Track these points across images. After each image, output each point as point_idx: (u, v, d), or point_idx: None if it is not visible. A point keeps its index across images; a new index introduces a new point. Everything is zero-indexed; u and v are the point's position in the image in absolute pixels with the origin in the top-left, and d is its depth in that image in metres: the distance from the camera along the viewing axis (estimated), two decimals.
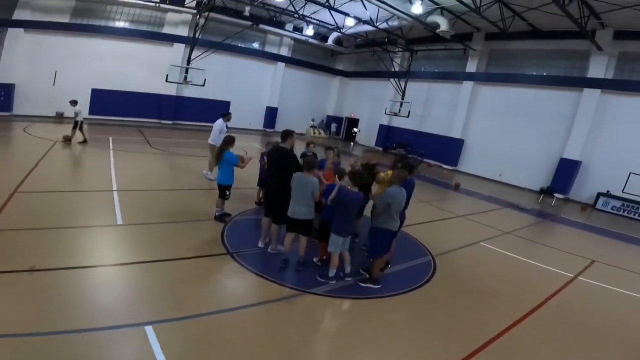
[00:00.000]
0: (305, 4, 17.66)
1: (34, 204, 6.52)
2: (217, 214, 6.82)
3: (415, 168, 5.61)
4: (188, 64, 19.12)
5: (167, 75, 18.01)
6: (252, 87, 24.80)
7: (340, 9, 17.44)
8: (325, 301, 4.53)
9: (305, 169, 4.91)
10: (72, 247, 5.02)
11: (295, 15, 18.64)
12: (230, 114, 10.77)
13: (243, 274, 4.93)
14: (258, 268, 5.07)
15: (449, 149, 21.21)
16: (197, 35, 18.89)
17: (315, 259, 5.46)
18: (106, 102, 20.02)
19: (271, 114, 25.82)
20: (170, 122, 21.89)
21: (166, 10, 20.61)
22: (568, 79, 16.82)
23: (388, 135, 25.47)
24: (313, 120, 27.99)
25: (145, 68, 20.16)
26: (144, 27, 20.58)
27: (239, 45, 23.45)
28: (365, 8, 16.27)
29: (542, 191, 16.45)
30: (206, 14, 18.43)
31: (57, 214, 6.24)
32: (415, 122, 23.41)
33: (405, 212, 5.41)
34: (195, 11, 19.90)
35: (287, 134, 5.55)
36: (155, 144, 14.53)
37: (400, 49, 23.40)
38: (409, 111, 22.42)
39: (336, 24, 20.01)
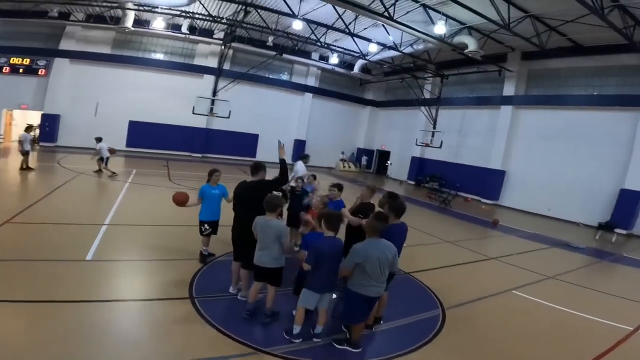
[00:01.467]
0: (326, 31, 17.63)
1: (14, 235, 6.28)
2: (203, 252, 6.16)
3: (402, 211, 4.42)
4: (214, 95, 19.55)
5: (193, 107, 18.42)
6: (280, 119, 24.88)
7: (362, 34, 17.20)
8: None
9: (268, 211, 4.12)
10: (18, 280, 4.54)
11: (318, 44, 18.64)
12: (308, 155, 10.60)
13: (195, 322, 4.10)
14: (216, 317, 4.22)
15: (488, 181, 19.39)
16: (222, 66, 19.47)
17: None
18: (141, 134, 21.03)
19: (299, 147, 25.57)
20: (200, 155, 22.35)
21: (196, 42, 21.61)
22: (622, 97, 14.89)
23: (421, 168, 24.08)
24: (343, 153, 27.41)
25: (177, 100, 20.85)
26: (176, 59, 21.64)
27: (266, 76, 23.80)
28: (388, 32, 15.89)
29: (600, 226, 14.16)
30: (230, 44, 19.05)
31: (32, 245, 5.90)
32: (449, 152, 21.94)
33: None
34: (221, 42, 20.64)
35: (257, 167, 4.83)
36: (175, 178, 14.51)
37: (430, 75, 22.55)
38: (442, 141, 21.06)
39: (360, 51, 19.78)
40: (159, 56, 21.48)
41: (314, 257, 3.78)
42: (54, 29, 19.02)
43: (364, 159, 28.03)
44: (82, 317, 3.99)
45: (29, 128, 13.47)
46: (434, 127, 22.18)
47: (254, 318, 4.27)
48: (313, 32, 17.76)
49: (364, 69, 24.59)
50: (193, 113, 18.57)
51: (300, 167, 9.31)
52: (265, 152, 24.57)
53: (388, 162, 27.31)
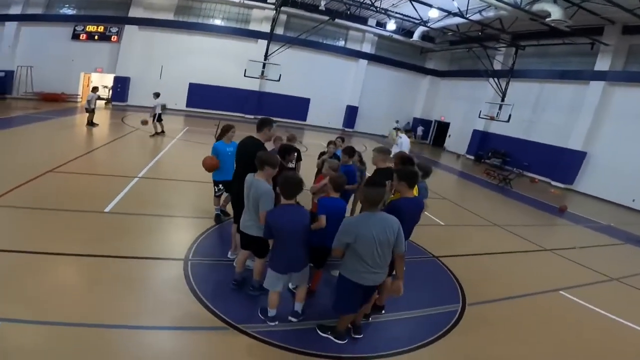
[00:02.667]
0: None
1: (50, 184, 6.70)
2: (215, 212, 6.03)
3: (414, 180, 3.50)
4: (265, 59, 19.31)
5: (245, 70, 18.41)
6: (333, 84, 24.09)
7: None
8: (251, 346, 3.22)
9: (258, 168, 3.59)
10: (33, 228, 4.76)
11: (373, 8, 17.15)
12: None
13: (177, 287, 3.92)
14: (201, 284, 4.01)
15: (563, 162, 16.95)
16: (273, 31, 19.02)
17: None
18: (199, 95, 21.89)
19: (351, 113, 24.72)
20: (252, 116, 22.59)
21: (251, 7, 21.46)
22: None
23: (483, 143, 21.89)
24: (397, 122, 25.82)
25: (233, 63, 20.97)
26: (233, 24, 21.85)
27: (320, 41, 23.01)
28: None
29: None
30: (282, 8, 18.52)
31: (61, 194, 6.27)
32: (519, 128, 19.51)
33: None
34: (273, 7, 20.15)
35: (262, 124, 4.34)
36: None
37: (503, 45, 19.83)
38: (510, 115, 18.70)
39: (420, 17, 17.82)
40: (217, 22, 21.76)
41: (269, 232, 3.23)
42: None
43: (419, 129, 26.24)
44: (70, 270, 4.04)
45: (94, 89, 14.32)
46: (503, 100, 19.77)
47: (241, 289, 3.99)
48: None
49: (425, 37, 22.47)
50: (245, 76, 18.57)
51: (405, 141, 9.52)
52: (316, 116, 24.24)
53: (448, 134, 25.30)
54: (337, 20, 21.00)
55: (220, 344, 3.22)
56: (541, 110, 19.07)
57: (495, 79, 20.26)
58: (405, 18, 18.60)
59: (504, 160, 19.99)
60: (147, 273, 4.24)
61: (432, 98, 26.47)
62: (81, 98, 21.06)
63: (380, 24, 22.83)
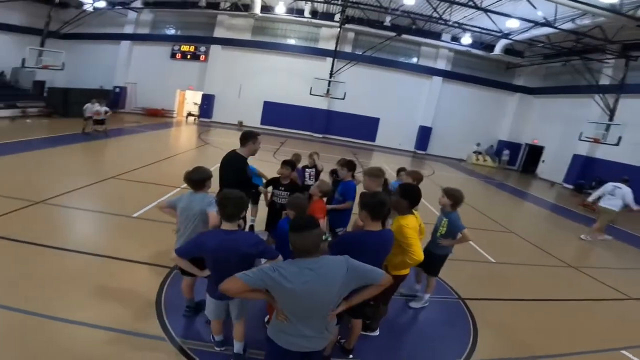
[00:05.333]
0: (449, 7, 15.07)
1: (105, 189, 7.55)
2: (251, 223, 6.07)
3: (380, 208, 2.80)
4: (330, 77, 19.53)
5: (311, 88, 18.83)
6: (404, 103, 23.12)
7: (497, 9, 14.04)
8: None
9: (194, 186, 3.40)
10: (60, 225, 5.33)
11: (441, 21, 16.19)
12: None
13: (145, 290, 3.91)
14: (172, 293, 3.94)
15: None
16: (337, 48, 19.35)
17: (266, 319, 3.66)
18: (272, 113, 23.04)
19: (424, 134, 23.31)
20: (320, 135, 22.95)
21: (320, 26, 21.97)
22: None
23: (586, 170, 18.54)
24: (478, 144, 23.63)
25: (303, 82, 21.44)
26: (303, 43, 22.65)
27: (390, 58, 22.43)
28: (533, 5, 12.36)
29: None
30: (347, 26, 18.93)
31: (108, 198, 6.99)
32: (632, 153, 16.13)
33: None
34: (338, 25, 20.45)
35: (246, 137, 4.17)
36: (280, 154, 15.13)
37: (609, 57, 16.83)
38: (620, 137, 15.58)
39: (499, 29, 16.18)
40: (290, 41, 22.75)
41: (186, 253, 2.75)
42: (209, 18, 22.27)
43: (505, 154, 23.46)
44: (78, 266, 4.34)
45: (93, 101, 13.90)
46: (611, 119, 16.69)
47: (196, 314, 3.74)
48: (435, 10, 15.43)
49: (510, 51, 20.39)
50: (310, 94, 19.01)
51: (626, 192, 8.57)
52: (386, 137, 23.49)
53: (542, 159, 22.15)
54: (407, 36, 20.42)
55: (148, 353, 3.10)
56: None
57: (601, 95, 17.28)
58: (484, 31, 17.13)
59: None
60: (137, 275, 4.37)
61: (522, 118, 23.56)
62: (176, 114, 24.05)
63: (456, 39, 21.42)
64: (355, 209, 3.36)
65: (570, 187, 18.71)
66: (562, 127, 20.68)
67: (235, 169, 4.05)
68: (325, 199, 4.52)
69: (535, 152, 22.82)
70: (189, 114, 23.67)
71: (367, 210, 2.81)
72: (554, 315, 5.04)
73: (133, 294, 3.93)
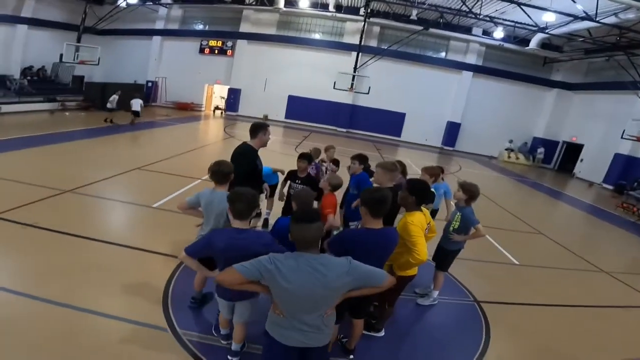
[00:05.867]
0: (478, 1, 14.38)
1: (131, 179, 7.82)
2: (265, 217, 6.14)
3: (382, 205, 2.63)
4: (354, 71, 19.24)
5: (334, 82, 18.65)
6: (432, 98, 22.46)
7: (533, 3, 13.31)
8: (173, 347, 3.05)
9: (216, 181, 3.31)
10: (81, 214, 5.59)
11: (471, 15, 15.48)
12: None
13: (154, 281, 3.99)
14: (179, 284, 4.00)
15: None
16: (361, 42, 19.06)
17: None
18: (297, 107, 23.11)
19: (452, 130, 22.57)
20: (344, 130, 22.76)
21: (345, 20, 21.67)
22: None
23: (628, 170, 17.40)
24: (511, 142, 22.60)
25: (328, 76, 21.21)
26: (328, 38, 22.48)
27: (417, 53, 21.86)
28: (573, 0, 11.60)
29: None
30: (372, 20, 18.66)
31: (133, 188, 7.26)
32: None
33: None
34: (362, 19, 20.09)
35: (256, 128, 4.11)
36: (300, 147, 15.12)
37: None
38: None
39: (535, 23, 15.28)
40: (315, 35, 22.64)
41: (195, 252, 2.69)
42: (235, 13, 22.53)
43: (539, 151, 22.29)
44: (93, 254, 4.50)
45: (117, 92, 15.49)
46: None
47: (201, 306, 3.77)
48: (464, 3, 14.77)
49: (547, 45, 19.39)
50: (334, 88, 18.85)
51: None
52: (412, 133, 22.96)
53: (580, 158, 20.89)
54: (436, 31, 19.75)
55: (148, 342, 3.15)
56: None
57: None
58: (518, 25, 16.25)
59: None
60: (141, 266, 4.46)
61: (559, 115, 22.29)
62: (204, 108, 24.59)
63: (487, 33, 20.51)
64: None
65: (610, 187, 17.65)
66: (603, 124, 19.46)
67: (246, 162, 4.00)
68: (335, 193, 4.42)
69: (573, 151, 21.62)
70: (216, 108, 24.14)
71: (367, 206, 2.67)
72: (578, 323, 4.73)
73: (143, 284, 4.01)
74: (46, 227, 4.89)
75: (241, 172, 3.88)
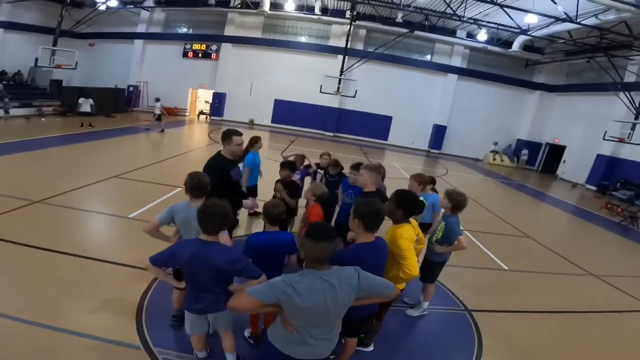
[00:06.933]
0: (462, 3, 14.54)
1: (106, 188, 7.47)
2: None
3: (375, 218, 2.51)
4: (341, 74, 19.18)
5: (321, 86, 18.53)
6: (418, 101, 22.53)
7: (514, 5, 13.51)
8: None
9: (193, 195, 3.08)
10: (50, 226, 5.24)
11: (455, 18, 15.64)
12: None
13: (128, 295, 3.71)
14: (156, 297, 3.74)
15: None
16: (347, 45, 18.99)
17: (245, 332, 3.46)
18: (283, 111, 22.81)
19: (438, 133, 22.68)
20: (331, 134, 22.63)
21: (330, 23, 21.53)
22: None
23: (610, 171, 17.72)
24: (496, 144, 22.85)
25: (314, 80, 20.94)
26: (313, 41, 22.29)
27: (403, 56, 21.88)
28: (553, 1, 11.77)
29: None
30: (358, 22, 18.71)
31: (107, 198, 6.91)
32: None
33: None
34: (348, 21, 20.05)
35: (225, 135, 3.85)
36: (288, 152, 14.88)
37: (637, 53, 15.93)
38: None
39: (517, 25, 15.51)
40: (301, 39, 22.43)
41: (159, 261, 2.52)
42: (219, 16, 22.17)
43: (523, 153, 22.59)
44: (61, 269, 4.19)
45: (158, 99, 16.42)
46: (637, 118, 15.84)
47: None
48: (448, 5, 14.90)
49: (529, 47, 19.71)
50: (320, 92, 18.71)
51: None
52: (399, 136, 22.99)
53: (563, 159, 21.23)
54: (421, 33, 19.83)
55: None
56: None
57: (627, 93, 16.42)
58: (501, 27, 16.45)
59: (637, 194, 15.72)
60: (113, 280, 4.17)
61: (542, 117, 22.62)
62: (189, 112, 24.11)
63: (471, 35, 20.73)
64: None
65: (594, 188, 17.92)
66: (585, 125, 19.81)
67: (217, 174, 3.64)
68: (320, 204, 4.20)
69: (556, 152, 21.92)
70: (201, 113, 23.71)
71: (361, 219, 2.51)
72: (570, 329, 4.63)
73: (116, 299, 3.74)
74: (11, 239, 4.55)
75: (214, 185, 3.64)
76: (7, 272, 3.96)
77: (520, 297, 5.33)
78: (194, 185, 3.04)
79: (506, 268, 6.36)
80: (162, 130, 15.67)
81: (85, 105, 14.52)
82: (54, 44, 17.31)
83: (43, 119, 15.63)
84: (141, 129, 15.92)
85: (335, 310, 2.07)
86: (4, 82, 17.66)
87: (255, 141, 5.89)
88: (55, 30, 17.70)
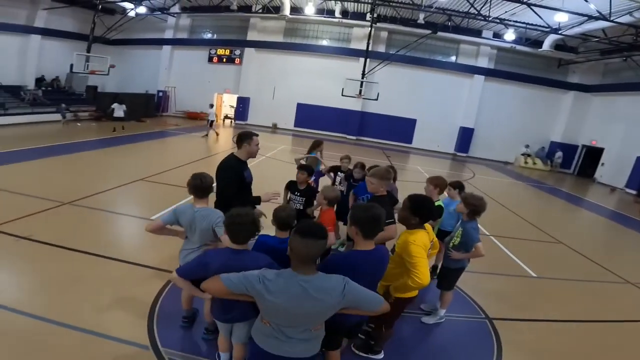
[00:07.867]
0: (486, 3, 14.11)
1: (131, 191, 7.74)
2: None
3: (374, 225, 2.37)
4: (362, 77, 18.99)
5: (342, 89, 18.42)
6: (443, 104, 21.94)
7: (543, 3, 13.01)
8: None
9: (197, 195, 3.12)
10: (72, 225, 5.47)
11: (480, 18, 15.15)
12: None
13: (142, 295, 3.79)
14: (169, 297, 3.79)
15: None
16: (368, 48, 18.77)
17: None
18: (306, 115, 22.85)
19: (465, 136, 21.99)
20: (353, 137, 22.47)
21: (351, 26, 21.39)
22: None
23: None
24: (527, 146, 21.91)
25: (336, 83, 20.74)
26: (335, 44, 22.20)
27: (426, 57, 21.42)
28: None
29: None
30: (379, 25, 18.53)
31: (133, 200, 7.19)
32: None
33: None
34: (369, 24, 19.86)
35: (240, 138, 3.84)
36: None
37: None
38: None
39: (547, 24, 14.83)
40: (322, 42, 22.38)
41: (188, 273, 2.47)
42: (242, 22, 22.55)
43: (557, 156, 21.51)
44: (82, 268, 4.34)
45: (212, 105, 17.21)
46: None
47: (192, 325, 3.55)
48: (472, 5, 14.43)
49: (561, 46, 18.78)
50: (342, 95, 18.61)
51: None
52: (423, 139, 22.50)
53: (601, 162, 20.05)
54: (444, 34, 19.34)
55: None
56: None
57: None
58: (530, 26, 15.81)
59: None
60: (129, 279, 4.29)
61: (578, 118, 21.47)
62: (215, 117, 24.62)
63: (498, 35, 20.00)
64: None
65: (633, 192, 16.79)
66: (624, 127, 18.68)
67: (231, 175, 3.70)
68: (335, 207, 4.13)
69: (593, 154, 20.75)
70: (226, 117, 24.18)
71: (358, 226, 2.38)
72: (603, 341, 4.29)
73: (130, 299, 3.82)
74: (40, 239, 4.78)
75: (227, 186, 3.65)
76: (29, 270, 4.14)
77: (548, 305, 5.02)
78: (195, 185, 3.07)
79: (534, 275, 6.02)
80: (206, 135, 16.53)
81: (119, 110, 15.26)
82: (88, 50, 18.13)
83: (79, 124, 16.46)
84: (168, 134, 16.46)
85: (309, 316, 1.98)
86: (43, 88, 18.77)
87: (318, 144, 6.71)
88: (89, 36, 18.50)
